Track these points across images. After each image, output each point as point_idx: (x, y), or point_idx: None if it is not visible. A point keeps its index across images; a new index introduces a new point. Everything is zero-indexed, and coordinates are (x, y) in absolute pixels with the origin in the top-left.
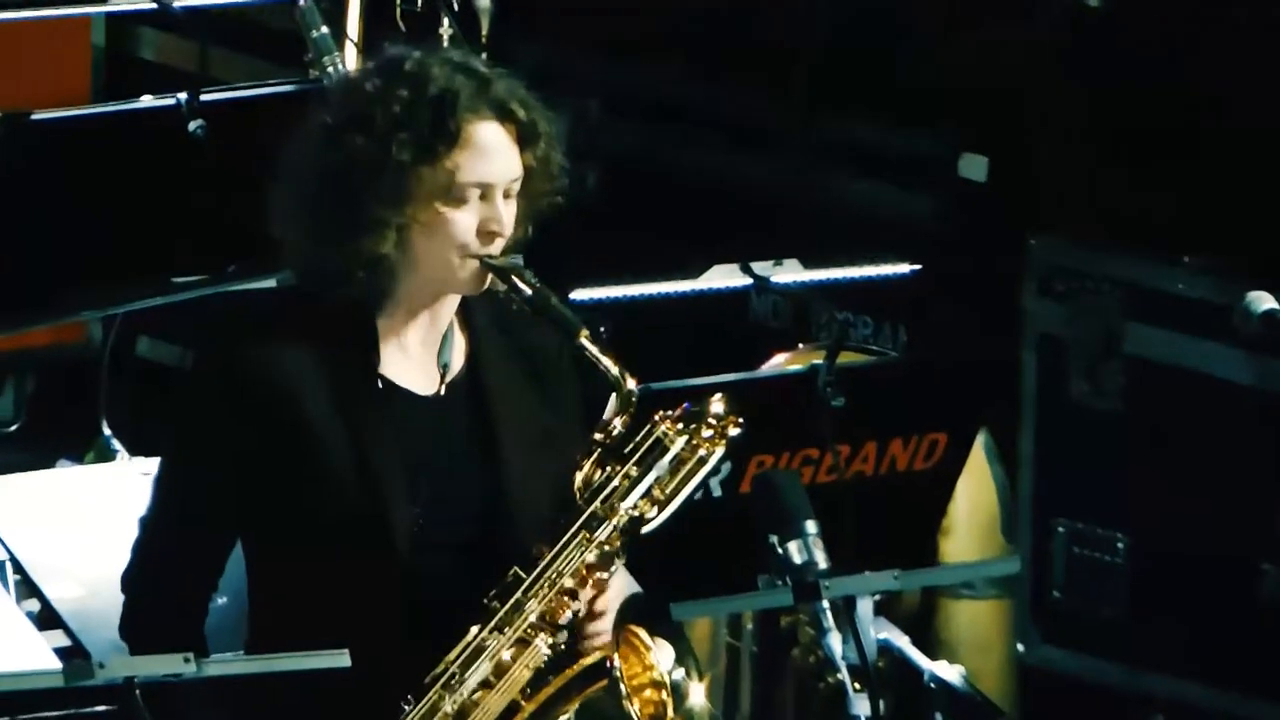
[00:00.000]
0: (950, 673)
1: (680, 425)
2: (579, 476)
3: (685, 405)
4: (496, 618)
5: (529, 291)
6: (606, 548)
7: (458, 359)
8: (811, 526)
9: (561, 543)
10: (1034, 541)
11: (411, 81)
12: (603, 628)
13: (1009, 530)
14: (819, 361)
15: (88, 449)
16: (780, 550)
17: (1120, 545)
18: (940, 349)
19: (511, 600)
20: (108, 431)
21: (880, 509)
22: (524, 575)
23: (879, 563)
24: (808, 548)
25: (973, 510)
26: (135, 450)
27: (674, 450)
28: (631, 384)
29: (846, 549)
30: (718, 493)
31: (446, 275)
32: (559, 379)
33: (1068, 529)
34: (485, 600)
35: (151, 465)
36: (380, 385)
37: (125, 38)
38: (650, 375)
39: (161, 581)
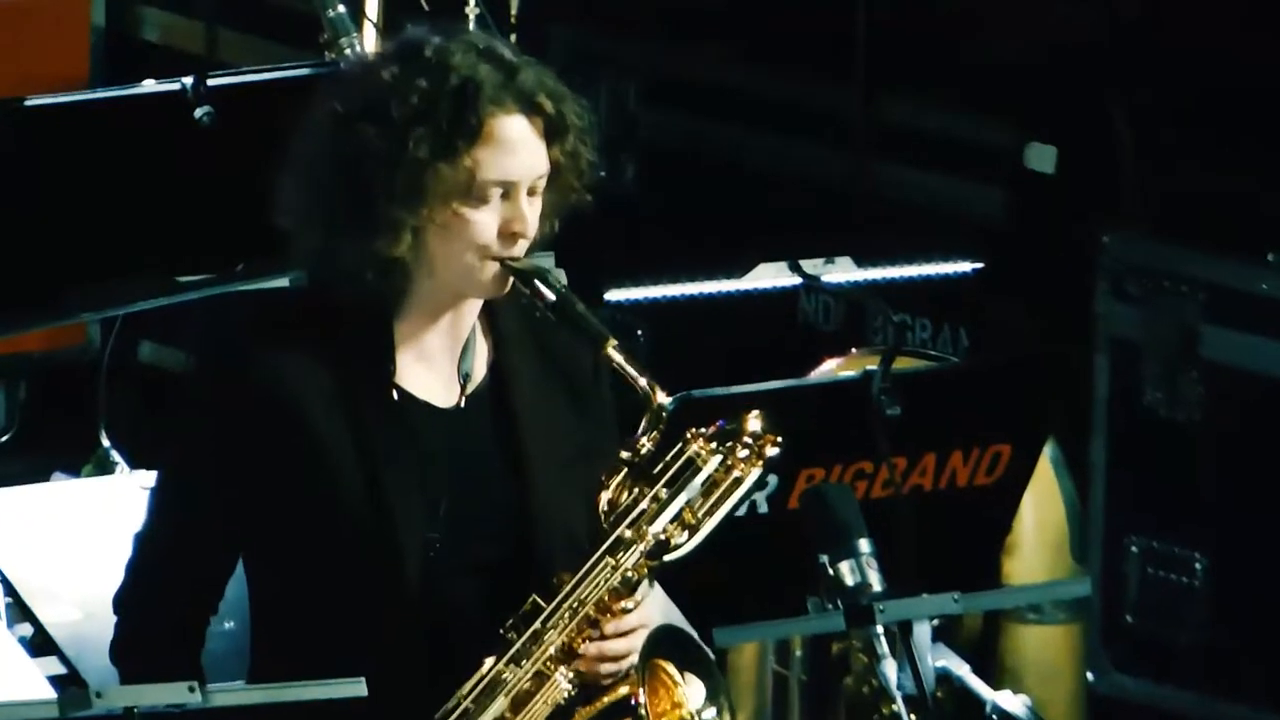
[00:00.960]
0: (1015, 703)
1: (714, 444)
2: (604, 498)
3: (720, 422)
4: (513, 649)
5: (552, 296)
6: (633, 575)
7: (480, 368)
8: (865, 545)
9: (584, 569)
10: (1105, 561)
11: (431, 70)
12: (627, 660)
13: (1078, 549)
14: (873, 367)
15: (86, 461)
16: (831, 571)
17: (1198, 566)
18: (1004, 353)
19: (529, 630)
20: (107, 443)
21: (939, 526)
22: (544, 604)
23: (938, 584)
24: (861, 568)
25: (1039, 528)
26: (136, 463)
27: (706, 471)
28: (663, 398)
29: (903, 569)
30: (764, 509)
31: (465, 278)
32: (591, 391)
33: (1142, 548)
34: (502, 630)
35: (152, 479)
36: (396, 396)
37: (127, 17)
38: (691, 381)
39: (156, 603)
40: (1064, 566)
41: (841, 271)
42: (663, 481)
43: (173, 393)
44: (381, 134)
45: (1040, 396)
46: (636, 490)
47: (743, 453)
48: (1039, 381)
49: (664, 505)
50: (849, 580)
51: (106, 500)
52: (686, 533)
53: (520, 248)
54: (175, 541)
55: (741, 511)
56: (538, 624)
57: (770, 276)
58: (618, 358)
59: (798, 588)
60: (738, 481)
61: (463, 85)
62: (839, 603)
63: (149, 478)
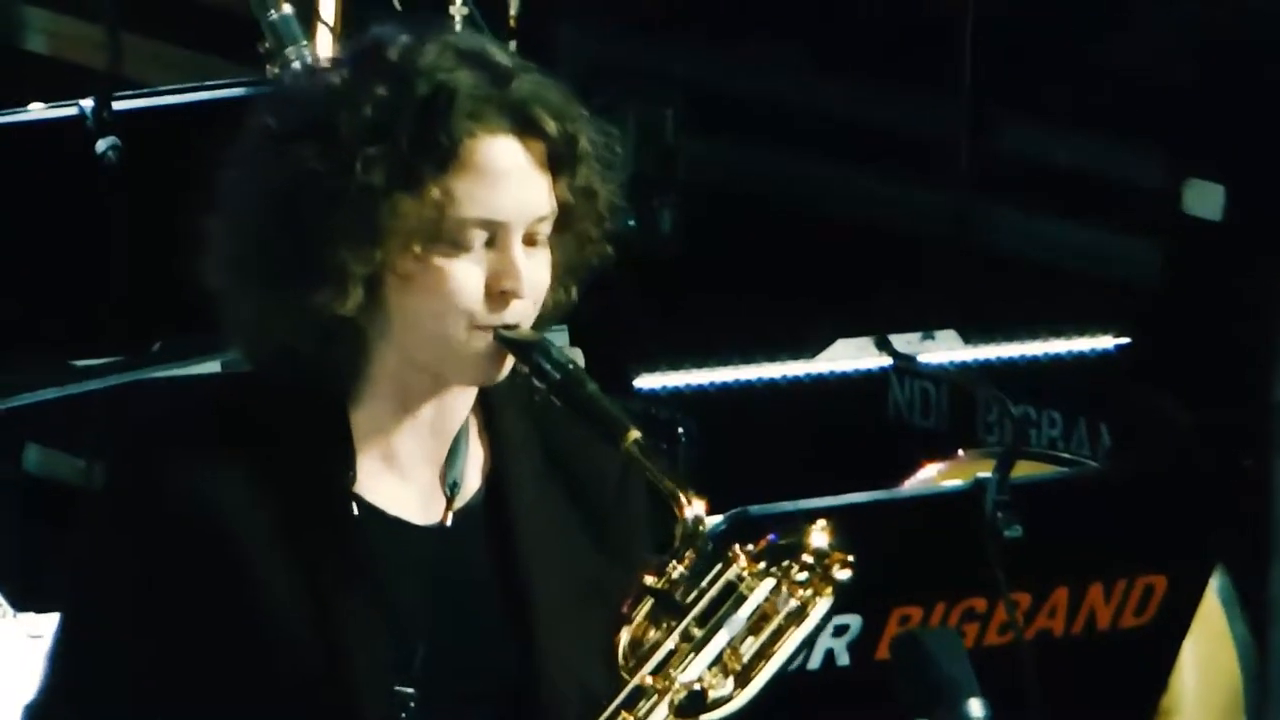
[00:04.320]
0: None
1: (761, 564)
2: (624, 636)
3: (770, 536)
4: None
5: (556, 375)
6: None
7: (473, 477)
8: (977, 708)
9: None
10: None
11: (393, 74)
12: None
13: (1256, 712)
14: (987, 475)
15: None
16: None
17: None
18: (1158, 457)
19: None
20: None
21: (1075, 682)
22: None
23: None
24: None
25: (1205, 683)
26: (21, 604)
27: (754, 600)
28: (697, 509)
29: None
30: (844, 660)
31: (440, 353)
32: (618, 506)
33: None
34: None
35: (45, 625)
36: (356, 510)
37: (6, 21)
38: (747, 494)
39: None
40: None
41: (944, 349)
42: (694, 614)
43: (69, 513)
44: (323, 154)
45: (1205, 513)
46: (664, 626)
47: (801, 575)
48: (1203, 494)
49: (698, 645)
50: None
51: None
52: (731, 681)
53: (516, 313)
54: (79, 710)
55: (815, 663)
56: None
57: (851, 356)
58: (641, 457)
59: None
60: (796, 614)
61: (432, 94)
62: None
63: (37, 623)
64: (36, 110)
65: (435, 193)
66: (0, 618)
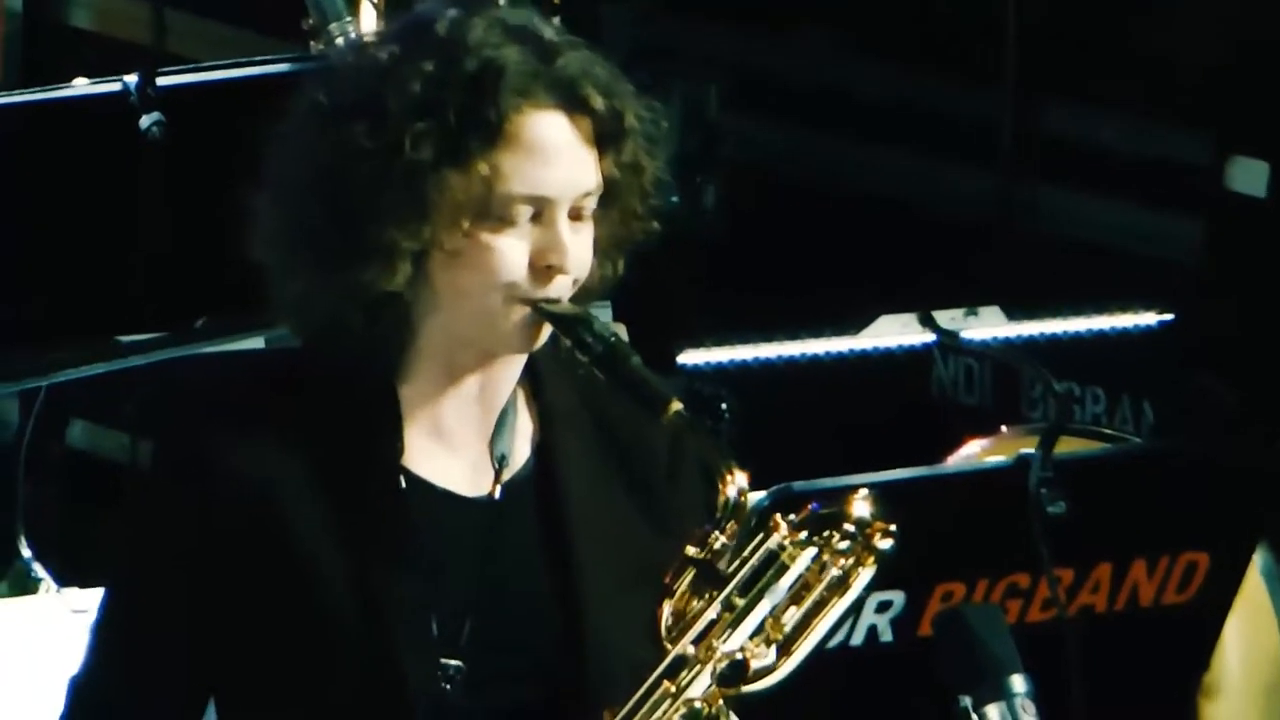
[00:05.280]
0: None
1: (804, 534)
2: (667, 608)
3: (813, 506)
4: None
5: (600, 349)
6: (702, 707)
7: (521, 449)
8: (1020, 684)
9: (635, 700)
10: None
11: (441, 50)
12: None
13: None
14: (1031, 451)
15: None
16: (975, 717)
17: None
18: (1202, 434)
19: None
20: (27, 553)
21: (1117, 659)
22: None
23: None
24: (1014, 713)
25: (1248, 661)
26: (65, 579)
27: (795, 569)
28: (740, 481)
29: (1071, 716)
30: (887, 636)
31: (484, 326)
32: (667, 485)
33: None
34: None
35: (89, 600)
36: (404, 484)
37: (52, 1)
38: (790, 469)
39: None
40: None
41: (988, 326)
42: (735, 583)
43: (114, 488)
44: (372, 131)
45: (1248, 491)
46: (706, 597)
47: (843, 544)
48: (1246, 471)
49: (740, 615)
50: None
51: (27, 626)
52: (775, 651)
53: (559, 287)
54: (127, 685)
55: (858, 639)
56: None
57: (895, 333)
58: (684, 428)
59: None
60: (839, 584)
61: (480, 70)
62: None
63: (82, 598)
64: (81, 86)
65: (483, 168)
66: (45, 592)
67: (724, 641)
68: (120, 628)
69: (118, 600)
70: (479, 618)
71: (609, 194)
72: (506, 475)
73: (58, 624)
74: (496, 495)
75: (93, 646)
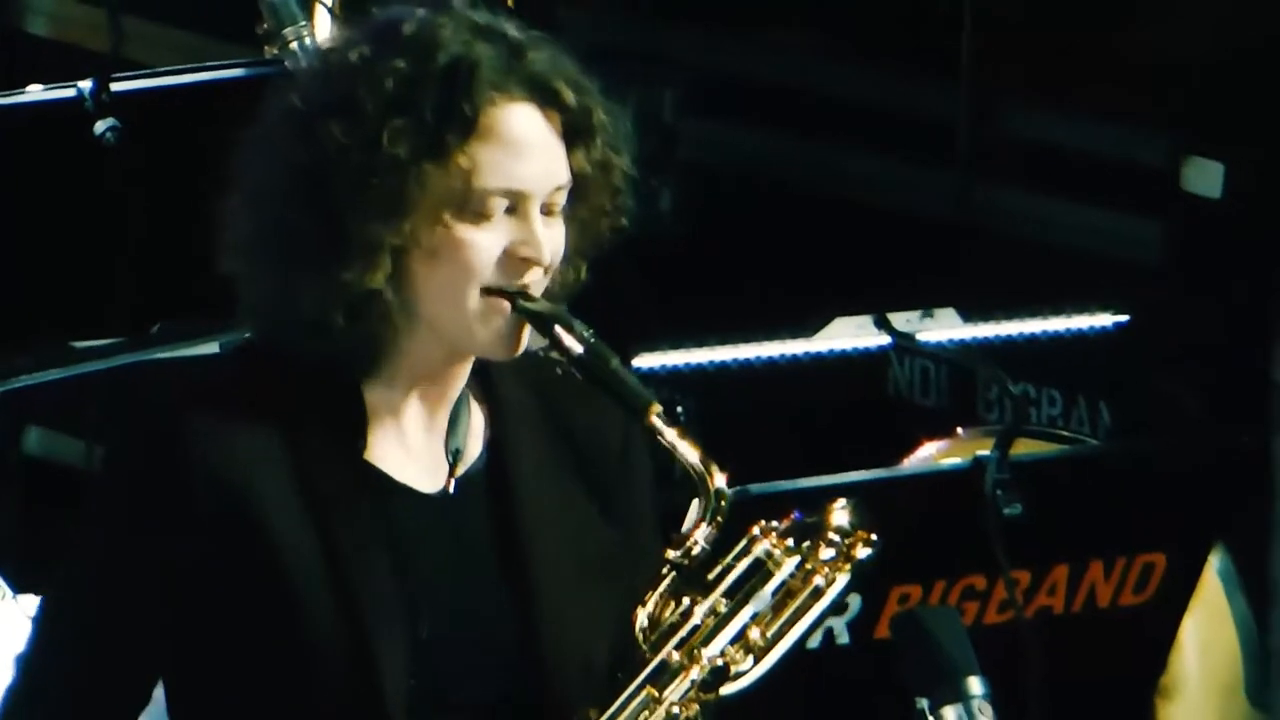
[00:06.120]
0: None
1: (789, 542)
2: (643, 612)
3: (796, 514)
4: None
5: (579, 349)
6: (680, 712)
7: (474, 444)
8: (976, 686)
9: (616, 705)
10: None
11: (412, 48)
12: None
13: (1256, 691)
14: (986, 453)
15: None
16: (933, 718)
17: None
18: (1158, 435)
19: None
20: None
21: (1075, 660)
22: None
23: None
24: (971, 715)
25: (1205, 662)
26: (21, 586)
27: (780, 576)
28: (720, 482)
29: (1029, 717)
30: (844, 638)
31: (463, 324)
32: (622, 475)
33: None
34: None
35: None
36: (367, 479)
37: (7, 5)
38: (748, 473)
39: None
40: (1237, 713)
41: (943, 328)
42: (721, 590)
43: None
44: (349, 130)
45: (1205, 492)
46: (687, 602)
47: (826, 553)
48: (1203, 472)
49: (724, 621)
50: None
51: None
52: (752, 658)
53: (533, 278)
54: (80, 673)
55: (815, 642)
56: None
57: (850, 335)
58: (664, 430)
59: None
60: (820, 591)
61: (453, 65)
62: None
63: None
64: (35, 92)
65: (461, 161)
66: (0, 599)
67: (706, 648)
68: (77, 620)
69: (80, 587)
70: (438, 610)
71: (579, 191)
72: (460, 470)
73: (13, 631)
74: (451, 490)
75: (46, 633)
